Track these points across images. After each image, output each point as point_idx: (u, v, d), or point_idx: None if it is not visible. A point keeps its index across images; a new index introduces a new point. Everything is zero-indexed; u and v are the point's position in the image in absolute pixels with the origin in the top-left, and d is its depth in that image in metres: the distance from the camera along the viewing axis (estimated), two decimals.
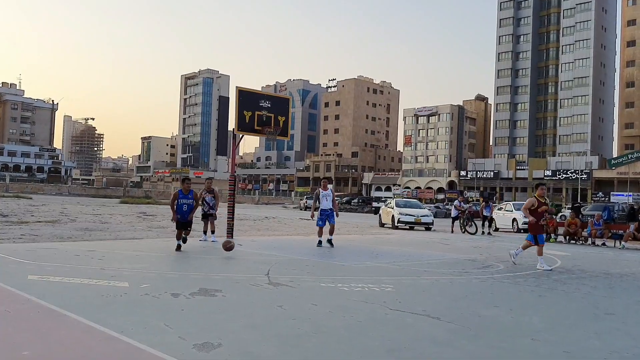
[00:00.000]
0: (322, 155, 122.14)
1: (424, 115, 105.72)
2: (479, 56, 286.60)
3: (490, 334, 4.69)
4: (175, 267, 8.35)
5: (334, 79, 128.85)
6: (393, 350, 4.05)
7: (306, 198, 60.28)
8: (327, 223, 12.60)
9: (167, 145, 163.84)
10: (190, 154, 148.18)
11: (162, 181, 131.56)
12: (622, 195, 70.65)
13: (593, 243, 18.02)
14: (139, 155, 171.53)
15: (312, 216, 12.80)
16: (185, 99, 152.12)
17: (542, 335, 4.72)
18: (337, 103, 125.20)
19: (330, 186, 13.22)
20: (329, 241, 12.47)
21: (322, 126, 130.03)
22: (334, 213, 12.62)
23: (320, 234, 12.64)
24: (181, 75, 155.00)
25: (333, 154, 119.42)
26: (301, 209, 54.70)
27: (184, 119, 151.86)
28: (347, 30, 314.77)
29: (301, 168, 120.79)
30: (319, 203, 12.61)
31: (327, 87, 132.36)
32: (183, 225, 10.66)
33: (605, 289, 7.77)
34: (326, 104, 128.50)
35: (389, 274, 8.40)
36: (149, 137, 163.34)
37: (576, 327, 5.11)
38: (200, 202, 13.14)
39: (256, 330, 4.47)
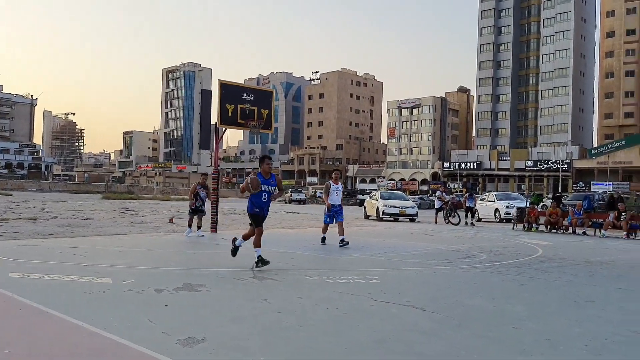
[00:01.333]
0: (306, 148, 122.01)
1: (407, 108, 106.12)
2: (462, 48, 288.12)
3: (475, 324, 4.74)
4: (159, 263, 8.29)
5: (317, 72, 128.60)
6: (380, 341, 4.07)
7: (291, 191, 60.29)
8: (334, 221, 11.46)
9: (150, 139, 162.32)
10: (172, 148, 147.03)
11: (144, 176, 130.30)
12: (602, 184, 71.78)
13: (574, 232, 18.29)
14: (121, 150, 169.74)
15: (329, 209, 11.54)
16: (167, 93, 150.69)
17: (525, 323, 4.78)
18: (321, 96, 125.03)
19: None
20: (342, 241, 11.10)
21: (306, 119, 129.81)
22: (342, 210, 11.69)
23: (325, 230, 11.63)
24: (162, 69, 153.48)
25: (317, 147, 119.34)
26: (286, 202, 54.68)
27: (166, 112, 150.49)
28: (330, 22, 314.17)
29: (285, 161, 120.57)
30: (329, 197, 11.52)
31: (311, 80, 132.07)
32: (262, 221, 7.81)
33: (585, 277, 7.90)
34: (310, 97, 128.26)
35: (374, 266, 8.45)
36: (131, 131, 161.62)
37: (558, 315, 5.18)
38: (192, 197, 13.07)
39: (241, 324, 4.46)
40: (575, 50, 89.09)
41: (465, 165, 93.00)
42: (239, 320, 4.60)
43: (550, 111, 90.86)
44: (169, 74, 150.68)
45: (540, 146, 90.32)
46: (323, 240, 11.54)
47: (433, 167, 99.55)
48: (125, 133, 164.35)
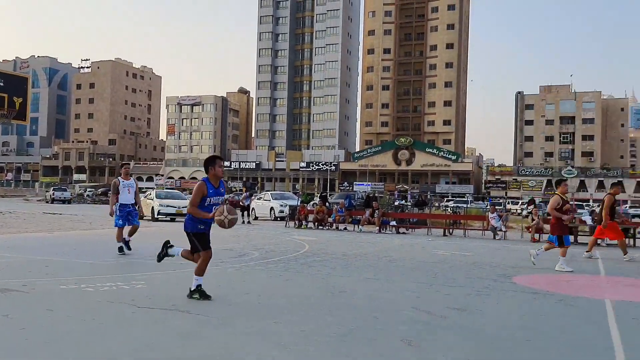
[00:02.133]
0: (74, 141, 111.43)
1: (187, 105, 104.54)
2: (243, 50, 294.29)
3: (238, 321, 4.85)
4: None
5: (87, 59, 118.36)
6: (137, 350, 3.89)
7: (53, 189, 54.22)
8: (127, 222, 10.13)
9: None
10: None
11: None
12: (363, 184, 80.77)
13: (337, 228, 20.15)
14: None
15: (112, 213, 10.07)
16: None
17: (285, 316, 5.07)
18: (92, 85, 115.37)
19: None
20: (127, 243, 10.01)
21: (74, 110, 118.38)
22: (137, 210, 10.32)
23: (120, 236, 9.96)
24: None
25: (87, 141, 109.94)
26: (47, 202, 49.04)
27: None
28: (103, 7, 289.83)
29: (48, 156, 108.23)
30: (119, 196, 10.01)
31: (80, 68, 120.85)
32: (209, 241, 5.95)
33: (342, 269, 8.75)
34: (79, 86, 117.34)
35: (142, 270, 8.09)
36: None
37: (315, 307, 5.62)
38: None
39: None
40: (343, 63, 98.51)
41: (245, 164, 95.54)
42: None
43: (321, 117, 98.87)
44: None
45: (312, 149, 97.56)
46: (121, 249, 9.86)
47: None
48: None
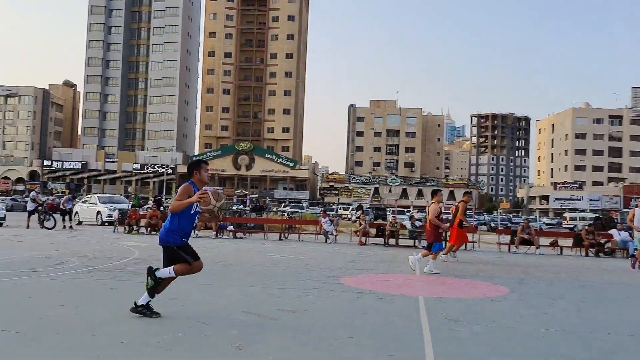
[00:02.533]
0: None
1: (1, 96, 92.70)
2: (71, 40, 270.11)
3: (51, 335, 4.40)
4: None
5: None
6: None
7: None
8: None
9: None
10: None
11: None
12: None
13: None
14: None
15: None
16: None
17: (107, 328, 4.72)
18: None
19: None
20: None
21: None
22: None
23: None
24: None
25: None
26: None
27: None
28: None
29: None
30: None
31: None
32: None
33: None
34: None
35: None
36: None
37: (138, 318, 5.28)
38: None
39: None
40: (182, 63, 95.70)
41: (70, 164, 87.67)
42: None
43: (158, 117, 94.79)
44: None
45: (147, 150, 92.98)
46: None
47: (31, 165, 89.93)
48: None
